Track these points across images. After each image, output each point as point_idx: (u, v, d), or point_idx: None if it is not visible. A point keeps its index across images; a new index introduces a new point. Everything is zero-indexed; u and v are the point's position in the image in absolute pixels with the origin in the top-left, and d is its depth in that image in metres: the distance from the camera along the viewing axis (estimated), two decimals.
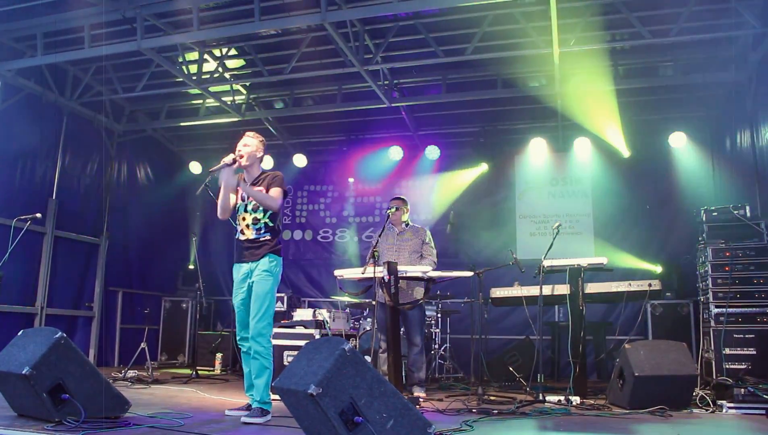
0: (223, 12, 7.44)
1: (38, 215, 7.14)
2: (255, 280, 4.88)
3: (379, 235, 6.29)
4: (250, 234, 4.98)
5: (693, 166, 9.50)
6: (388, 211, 6.61)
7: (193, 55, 8.65)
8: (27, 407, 4.25)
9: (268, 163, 11.27)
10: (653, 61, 8.60)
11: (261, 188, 5.00)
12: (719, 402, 5.61)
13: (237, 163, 4.99)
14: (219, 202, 5.06)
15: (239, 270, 5.01)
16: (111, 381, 4.64)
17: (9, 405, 4.46)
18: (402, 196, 7.01)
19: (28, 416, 4.25)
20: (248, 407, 4.91)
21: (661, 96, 9.41)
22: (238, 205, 5.12)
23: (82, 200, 9.69)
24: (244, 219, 5.04)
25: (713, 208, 7.03)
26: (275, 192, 4.96)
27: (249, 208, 5.03)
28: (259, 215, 4.99)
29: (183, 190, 11.76)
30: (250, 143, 5.11)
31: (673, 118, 9.75)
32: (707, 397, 5.69)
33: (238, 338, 5.04)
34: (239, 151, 5.06)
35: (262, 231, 4.97)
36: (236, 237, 5.08)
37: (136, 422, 4.21)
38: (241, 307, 4.98)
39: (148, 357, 7.98)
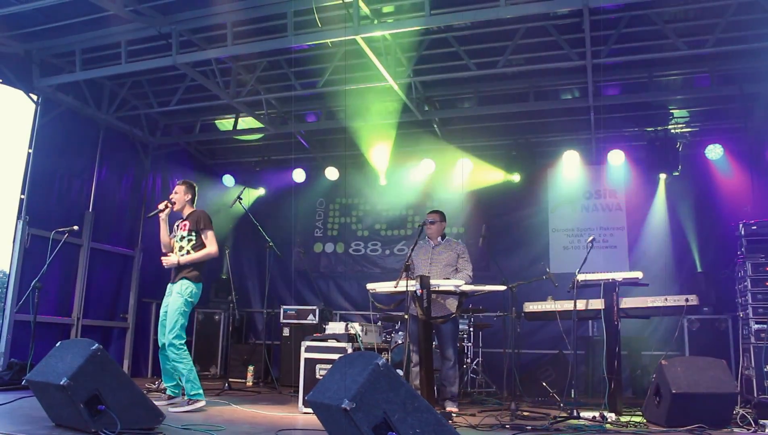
0: (257, 27, 7.52)
1: (75, 228, 7.30)
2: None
3: (413, 249, 6.27)
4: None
5: (730, 178, 9.32)
6: (425, 225, 6.58)
7: (227, 70, 8.75)
8: (65, 417, 4.31)
9: (300, 175, 11.37)
10: (689, 73, 8.48)
11: (186, 223, 6.35)
12: (761, 421, 5.44)
13: (169, 209, 6.35)
14: (161, 239, 6.53)
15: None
16: (144, 392, 4.68)
17: (47, 415, 4.53)
18: (440, 210, 6.97)
19: (65, 426, 4.31)
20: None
21: (696, 107, 9.26)
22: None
23: (117, 212, 9.82)
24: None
25: (752, 221, 6.90)
26: (209, 238, 6.43)
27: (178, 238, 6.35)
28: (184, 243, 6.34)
29: (216, 203, 11.86)
30: (178, 190, 6.46)
31: (709, 130, 9.60)
32: (748, 416, 5.53)
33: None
34: (171, 198, 6.41)
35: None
36: None
37: None
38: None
39: None
